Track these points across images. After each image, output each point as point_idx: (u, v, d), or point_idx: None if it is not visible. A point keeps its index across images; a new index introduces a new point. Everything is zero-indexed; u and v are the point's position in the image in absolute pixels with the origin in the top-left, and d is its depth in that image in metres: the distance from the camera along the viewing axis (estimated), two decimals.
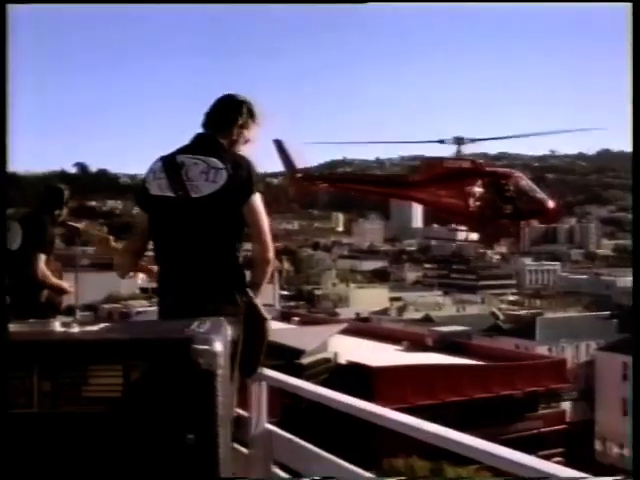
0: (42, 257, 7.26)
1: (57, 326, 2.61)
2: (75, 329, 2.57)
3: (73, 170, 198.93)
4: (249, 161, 4.60)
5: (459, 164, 40.00)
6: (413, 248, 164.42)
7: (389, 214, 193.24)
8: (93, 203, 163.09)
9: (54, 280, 7.43)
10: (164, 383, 2.31)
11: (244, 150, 4.74)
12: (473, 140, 40.78)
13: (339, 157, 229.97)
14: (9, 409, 2.35)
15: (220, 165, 4.49)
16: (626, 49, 3.28)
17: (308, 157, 44.11)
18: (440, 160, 40.97)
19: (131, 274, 5.24)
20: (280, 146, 40.99)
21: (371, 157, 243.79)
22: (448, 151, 40.74)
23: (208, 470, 2.35)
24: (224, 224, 4.51)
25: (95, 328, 2.64)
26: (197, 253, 4.51)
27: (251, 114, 4.78)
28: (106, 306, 69.08)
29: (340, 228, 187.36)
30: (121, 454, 2.32)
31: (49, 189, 7.88)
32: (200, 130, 4.80)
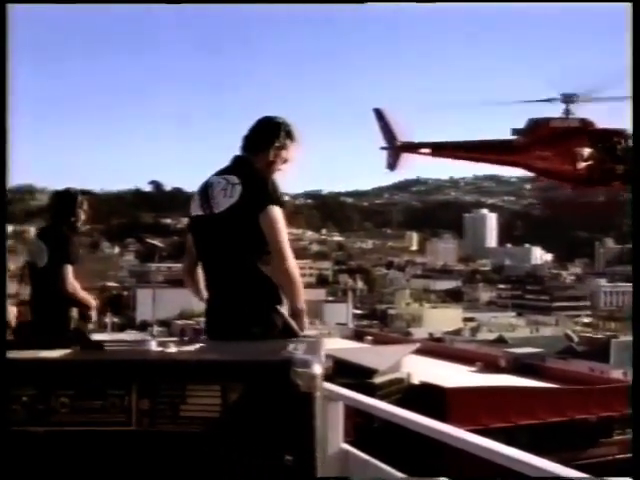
0: (69, 269, 7.16)
1: (154, 345, 2.68)
2: (172, 349, 2.64)
3: (148, 188, 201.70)
4: (266, 175, 4.73)
5: (567, 123, 38.16)
6: (487, 268, 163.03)
7: (463, 233, 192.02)
8: (168, 221, 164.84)
9: (82, 293, 7.37)
10: (263, 404, 2.33)
11: (283, 170, 4.88)
12: (583, 98, 38.27)
13: (413, 177, 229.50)
14: (105, 426, 2.42)
15: (236, 180, 4.66)
16: (626, 49, 3.30)
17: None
18: (547, 120, 38.85)
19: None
20: (380, 115, 40.80)
21: (445, 176, 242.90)
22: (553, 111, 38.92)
23: None
24: (243, 237, 4.62)
25: (191, 348, 2.71)
26: (223, 267, 4.69)
27: (289, 135, 4.89)
28: (179, 322, 69.68)
29: (414, 247, 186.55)
30: (218, 474, 2.36)
31: (58, 196, 7.66)
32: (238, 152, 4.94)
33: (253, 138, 4.89)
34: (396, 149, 41.80)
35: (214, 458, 2.37)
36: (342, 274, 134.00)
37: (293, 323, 4.56)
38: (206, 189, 4.77)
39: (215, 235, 4.69)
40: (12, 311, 7.43)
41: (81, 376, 2.46)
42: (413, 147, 42.50)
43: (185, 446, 2.38)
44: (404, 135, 42.02)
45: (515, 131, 40.33)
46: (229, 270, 4.65)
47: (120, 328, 63.04)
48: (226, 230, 4.63)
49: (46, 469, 2.45)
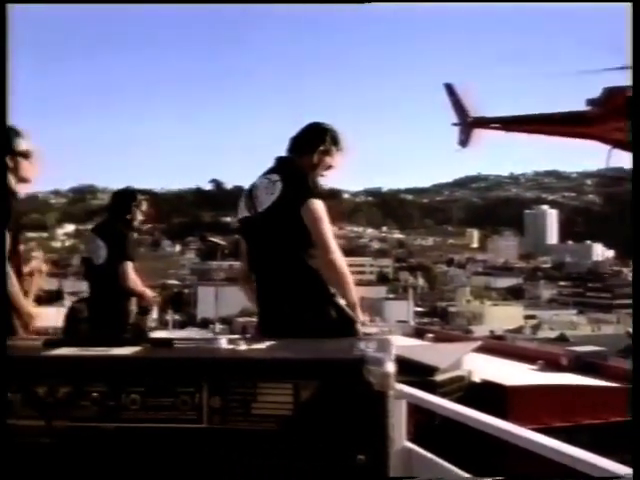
0: (130, 265, 7.28)
1: (224, 343, 2.67)
2: (243, 346, 2.63)
3: (209, 187, 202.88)
4: (305, 171, 4.78)
5: None
6: (548, 265, 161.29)
7: (523, 230, 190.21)
8: (228, 219, 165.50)
9: (142, 289, 7.49)
10: (335, 403, 2.31)
11: (326, 176, 4.94)
12: None
13: (473, 173, 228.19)
14: (176, 423, 2.42)
15: (277, 178, 4.73)
16: (626, 49, 3.28)
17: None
18: (622, 89, 36.05)
19: None
20: (451, 90, 40.46)
21: (505, 172, 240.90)
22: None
23: None
24: (288, 232, 4.65)
25: (262, 346, 2.70)
26: (272, 263, 4.73)
27: (335, 142, 4.93)
28: (240, 319, 69.90)
29: (475, 244, 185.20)
30: (289, 473, 2.35)
31: (117, 195, 7.85)
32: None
33: (299, 140, 4.96)
34: (468, 125, 41.32)
35: (286, 457, 2.35)
36: (403, 271, 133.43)
37: (349, 311, 4.58)
38: (251, 191, 4.85)
39: (261, 233, 4.77)
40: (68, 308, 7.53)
41: (152, 373, 2.46)
42: (485, 122, 41.92)
43: (256, 444, 2.37)
44: (475, 110, 41.55)
45: (589, 102, 39.02)
46: (278, 266, 4.70)
47: (181, 325, 63.47)
48: (270, 227, 4.69)
49: (117, 466, 2.45)
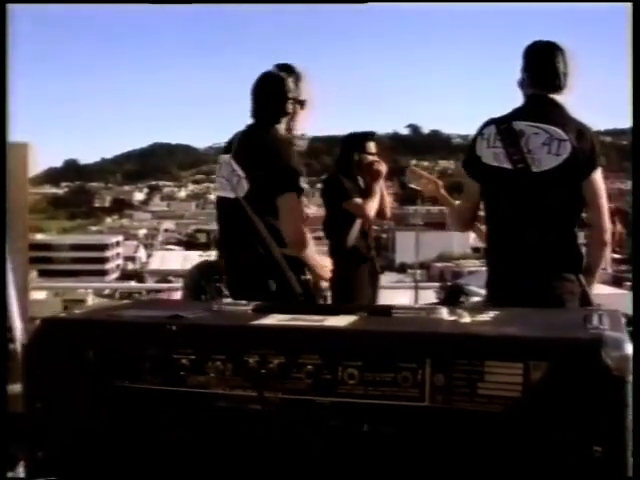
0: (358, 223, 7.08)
1: (445, 314, 2.48)
2: (466, 318, 2.43)
3: (405, 132, 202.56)
4: (593, 131, 4.28)
5: None
6: None
7: None
8: (425, 163, 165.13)
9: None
10: (569, 387, 2.09)
11: None
12: None
13: None
14: (396, 400, 2.25)
15: (564, 136, 4.19)
16: (626, 49, 3.18)
17: None
18: None
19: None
20: None
21: None
22: None
23: None
24: (564, 201, 4.24)
25: (486, 317, 2.49)
26: (534, 229, 4.27)
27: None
28: (438, 264, 69.80)
29: None
30: (515, 459, 2.14)
31: (344, 141, 7.44)
32: (531, 90, 4.47)
33: (546, 69, 4.44)
34: None
35: (512, 442, 2.15)
36: None
37: (591, 295, 4.25)
38: (515, 138, 4.29)
39: (529, 195, 4.28)
40: None
41: (371, 347, 2.30)
42: None
43: (482, 426, 2.18)
44: None
45: None
46: (540, 231, 4.26)
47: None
48: (546, 192, 4.23)
49: (330, 441, 2.32)
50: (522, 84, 4.49)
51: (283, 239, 4.55)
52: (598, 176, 4.24)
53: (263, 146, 4.60)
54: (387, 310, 2.58)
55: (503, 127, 4.35)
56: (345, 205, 6.99)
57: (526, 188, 4.24)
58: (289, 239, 4.54)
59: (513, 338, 2.22)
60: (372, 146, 7.27)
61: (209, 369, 2.40)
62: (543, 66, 4.42)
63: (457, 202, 4.92)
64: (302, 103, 4.70)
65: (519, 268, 4.28)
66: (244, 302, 2.84)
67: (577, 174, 4.19)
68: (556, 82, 4.38)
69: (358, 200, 7.03)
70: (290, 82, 4.64)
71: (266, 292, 4.41)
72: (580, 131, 4.23)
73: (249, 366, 2.36)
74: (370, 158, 7.17)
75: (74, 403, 2.51)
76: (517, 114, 4.38)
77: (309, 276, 4.64)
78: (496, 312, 2.60)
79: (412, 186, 5.37)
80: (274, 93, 4.62)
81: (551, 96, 4.38)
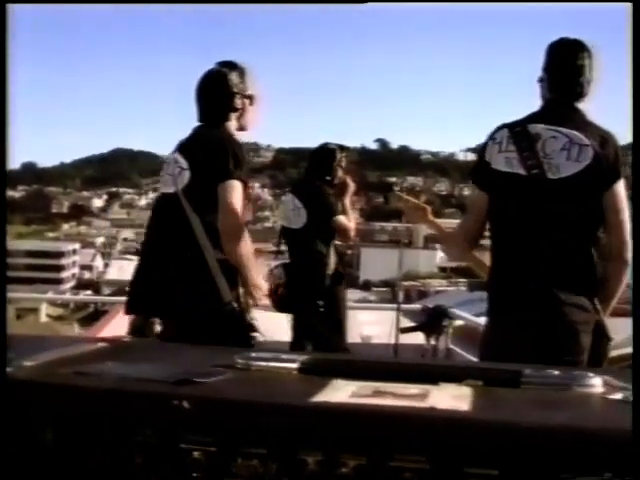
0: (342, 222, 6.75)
1: (600, 386, 1.60)
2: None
3: (374, 146, 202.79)
4: (616, 138, 3.74)
5: None
6: None
7: None
8: (393, 179, 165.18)
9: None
10: None
11: None
12: None
13: None
14: None
15: (585, 141, 3.63)
16: (626, 49, 3.02)
17: None
18: None
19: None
20: None
21: None
22: None
23: None
24: (581, 213, 3.64)
25: None
26: (545, 243, 3.64)
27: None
28: (404, 283, 69.61)
29: None
30: None
31: (316, 153, 7.17)
32: (551, 94, 3.86)
33: (563, 72, 3.84)
34: None
35: None
36: None
37: (607, 326, 3.67)
38: (530, 142, 3.70)
39: (544, 203, 3.65)
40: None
41: (514, 448, 1.41)
42: None
43: None
44: None
45: None
46: (555, 248, 3.63)
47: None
48: (564, 200, 3.62)
49: None
50: (542, 83, 3.89)
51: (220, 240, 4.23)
52: (621, 187, 3.68)
53: (209, 137, 4.44)
54: (514, 377, 1.66)
55: (517, 130, 3.78)
56: (333, 223, 6.75)
57: (539, 196, 3.65)
58: (222, 230, 4.19)
59: None
60: (344, 160, 7.04)
61: (239, 469, 1.50)
62: (566, 70, 3.87)
63: (459, 221, 4.23)
64: (250, 98, 4.55)
65: (526, 291, 3.67)
66: (278, 353, 1.92)
67: (599, 183, 3.63)
68: (578, 89, 3.82)
69: (343, 219, 6.80)
70: (234, 77, 4.51)
71: (190, 300, 4.12)
72: (603, 137, 3.69)
73: (308, 470, 1.45)
74: (341, 173, 7.00)
75: None
76: (533, 117, 3.81)
77: (241, 288, 4.26)
78: None
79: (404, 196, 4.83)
80: (219, 89, 4.51)
81: (571, 101, 3.81)
